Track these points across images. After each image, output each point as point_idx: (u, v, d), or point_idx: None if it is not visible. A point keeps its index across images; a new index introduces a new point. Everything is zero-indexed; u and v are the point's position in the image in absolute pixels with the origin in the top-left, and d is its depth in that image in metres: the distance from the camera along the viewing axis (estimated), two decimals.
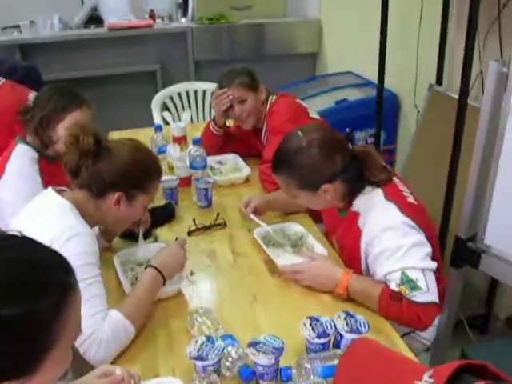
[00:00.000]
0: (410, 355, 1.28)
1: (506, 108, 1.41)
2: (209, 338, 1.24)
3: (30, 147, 1.91)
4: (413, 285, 1.40)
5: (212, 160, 2.37)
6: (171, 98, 3.54)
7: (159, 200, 2.06)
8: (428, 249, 1.48)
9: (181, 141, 2.61)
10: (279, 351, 1.19)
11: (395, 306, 1.41)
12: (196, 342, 1.23)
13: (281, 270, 1.63)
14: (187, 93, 3.58)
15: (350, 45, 3.77)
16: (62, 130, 1.83)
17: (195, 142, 2.23)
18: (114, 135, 2.06)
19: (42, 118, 1.86)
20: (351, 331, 1.27)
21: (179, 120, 3.21)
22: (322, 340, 1.25)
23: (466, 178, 1.63)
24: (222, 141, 2.45)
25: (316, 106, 2.88)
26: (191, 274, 1.66)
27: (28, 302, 0.74)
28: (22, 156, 1.90)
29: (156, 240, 1.85)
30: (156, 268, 1.46)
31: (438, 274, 1.53)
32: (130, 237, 1.81)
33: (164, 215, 1.99)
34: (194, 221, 1.92)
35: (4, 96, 2.45)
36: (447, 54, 2.61)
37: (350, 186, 1.56)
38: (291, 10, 4.53)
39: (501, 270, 1.58)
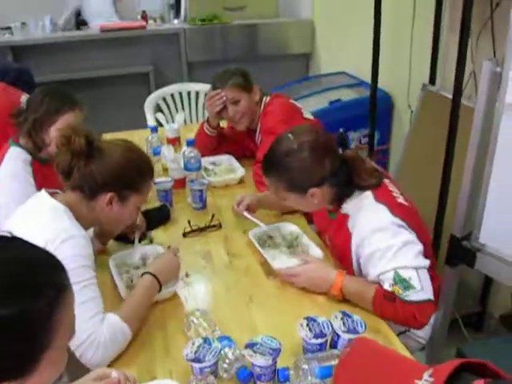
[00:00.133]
0: (407, 354, 1.28)
1: (500, 107, 1.42)
2: (206, 340, 1.24)
3: (22, 150, 1.90)
4: (406, 284, 1.40)
5: (206, 161, 2.36)
6: (164, 100, 3.53)
7: (154, 202, 2.06)
8: (419, 246, 1.48)
9: (175, 142, 2.61)
10: (276, 352, 1.19)
11: (389, 307, 1.41)
12: (193, 343, 1.23)
13: (276, 272, 1.63)
14: (180, 94, 3.58)
15: (343, 45, 3.77)
16: (54, 133, 1.82)
17: (189, 144, 2.22)
18: (108, 137, 2.05)
19: (35, 121, 1.85)
20: (348, 331, 1.27)
21: (172, 121, 3.20)
22: (319, 340, 1.25)
23: (459, 177, 1.63)
24: (215, 142, 2.44)
25: (310, 107, 2.88)
26: (186, 275, 1.65)
27: (24, 302, 0.74)
28: (15, 158, 1.89)
29: (151, 242, 1.84)
30: (152, 274, 1.46)
31: (432, 272, 1.53)
32: (125, 240, 1.80)
33: (159, 217, 1.98)
34: (189, 222, 1.91)
35: None
36: (440, 53, 2.62)
37: (338, 191, 1.56)
38: (284, 10, 4.53)
39: (496, 269, 1.58)
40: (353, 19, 3.50)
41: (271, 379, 1.20)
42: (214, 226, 1.93)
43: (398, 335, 1.48)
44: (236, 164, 2.40)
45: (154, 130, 2.58)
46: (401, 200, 1.56)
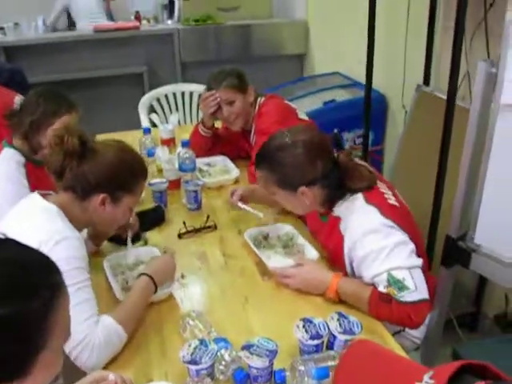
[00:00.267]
0: (403, 354, 1.28)
1: (495, 108, 1.42)
2: (202, 342, 1.23)
3: (16, 151, 1.89)
4: (400, 285, 1.40)
5: (201, 162, 2.35)
6: (158, 100, 3.52)
7: (148, 203, 2.05)
8: (411, 246, 1.48)
9: (169, 143, 2.60)
10: (273, 354, 1.19)
11: (385, 308, 1.41)
12: (189, 345, 1.22)
13: (271, 272, 1.63)
14: (174, 95, 3.57)
15: (337, 46, 3.78)
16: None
17: (184, 144, 2.22)
18: (102, 138, 2.04)
19: (32, 123, 1.84)
20: (344, 332, 1.26)
21: (167, 122, 3.19)
22: (316, 341, 1.24)
23: (453, 177, 1.64)
24: (210, 142, 2.44)
25: (304, 107, 2.88)
26: (182, 277, 1.65)
27: (19, 303, 0.74)
28: (9, 160, 1.88)
29: (146, 243, 1.84)
30: (149, 275, 1.45)
31: (425, 271, 1.53)
32: (119, 241, 1.79)
33: (153, 218, 1.97)
34: (184, 223, 1.90)
35: None
36: (434, 54, 2.62)
37: (329, 193, 1.56)
38: (278, 11, 4.54)
39: (491, 269, 1.59)
40: (347, 20, 3.50)
41: (268, 381, 1.20)
42: (209, 226, 1.92)
43: (393, 335, 1.48)
44: (231, 165, 2.39)
45: (147, 131, 2.57)
46: (392, 201, 1.56)
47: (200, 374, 1.18)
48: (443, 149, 2.16)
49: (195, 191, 2.05)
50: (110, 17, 4.87)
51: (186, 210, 2.07)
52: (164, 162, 2.24)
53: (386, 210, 1.50)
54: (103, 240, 1.76)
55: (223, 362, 1.21)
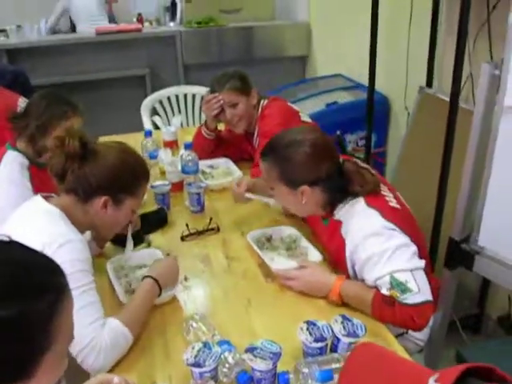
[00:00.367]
0: (407, 357, 1.28)
1: (499, 110, 1.42)
2: (205, 344, 1.23)
3: (20, 154, 1.89)
4: (403, 287, 1.40)
5: (203, 164, 2.35)
6: (161, 103, 3.53)
7: (151, 205, 2.05)
8: (413, 248, 1.48)
9: (172, 145, 2.60)
10: (277, 356, 1.18)
11: (388, 310, 1.41)
12: (193, 348, 1.22)
13: (275, 274, 1.63)
14: (177, 97, 3.57)
15: (339, 47, 3.78)
16: None
17: (187, 147, 2.22)
18: (104, 140, 2.05)
19: (39, 127, 1.84)
20: (348, 335, 1.26)
21: (169, 124, 3.20)
22: (320, 344, 1.24)
23: (456, 179, 1.63)
24: (213, 145, 2.44)
25: (306, 109, 2.88)
26: (185, 279, 1.64)
27: (24, 304, 0.74)
28: (12, 162, 1.88)
29: (149, 245, 1.84)
30: (153, 278, 1.45)
31: (428, 273, 1.53)
32: (122, 243, 1.79)
33: (156, 220, 1.97)
34: (187, 226, 1.90)
35: None
36: (437, 56, 2.62)
37: (330, 196, 1.56)
38: (280, 13, 4.54)
39: (494, 271, 1.59)
40: (349, 21, 3.50)
41: (271, 383, 1.20)
42: (212, 229, 1.92)
43: (397, 337, 1.48)
44: (233, 167, 2.39)
45: (149, 134, 2.57)
46: (393, 204, 1.56)
47: (203, 377, 1.18)
48: (446, 151, 2.16)
49: (198, 193, 2.05)
50: (113, 19, 4.89)
51: (189, 212, 2.07)
52: (167, 165, 2.24)
53: (388, 213, 1.50)
54: (106, 241, 1.75)
55: (227, 365, 1.21)
